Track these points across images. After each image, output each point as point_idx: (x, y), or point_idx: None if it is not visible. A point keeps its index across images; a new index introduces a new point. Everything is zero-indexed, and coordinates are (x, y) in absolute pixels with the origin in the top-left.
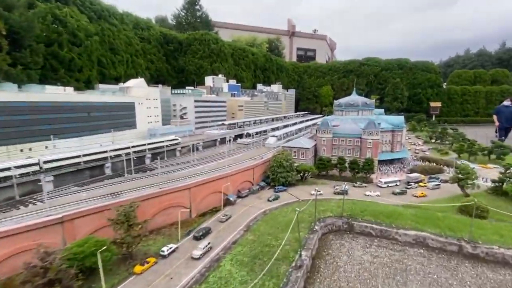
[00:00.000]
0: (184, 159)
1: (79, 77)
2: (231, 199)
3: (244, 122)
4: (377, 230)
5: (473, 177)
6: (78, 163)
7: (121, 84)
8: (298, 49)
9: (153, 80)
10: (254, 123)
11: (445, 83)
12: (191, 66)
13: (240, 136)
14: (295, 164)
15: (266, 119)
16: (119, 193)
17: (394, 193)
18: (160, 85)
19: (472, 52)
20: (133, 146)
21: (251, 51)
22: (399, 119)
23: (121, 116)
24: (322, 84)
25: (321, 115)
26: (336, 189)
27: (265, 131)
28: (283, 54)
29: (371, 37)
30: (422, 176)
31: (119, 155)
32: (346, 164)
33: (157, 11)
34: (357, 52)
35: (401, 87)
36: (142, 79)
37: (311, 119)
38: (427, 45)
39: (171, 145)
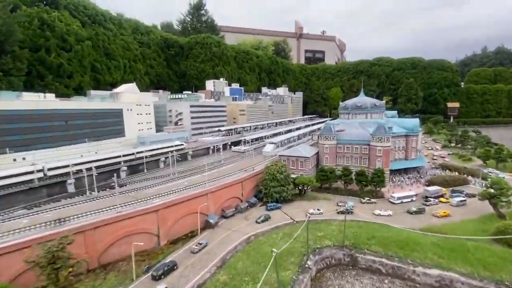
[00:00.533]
0: (167, 171)
1: (69, 83)
2: (211, 221)
3: (243, 128)
4: (388, 266)
5: (509, 193)
6: (31, 181)
7: (115, 90)
8: (306, 51)
9: (154, 85)
10: (254, 128)
11: (463, 83)
12: (192, 70)
13: (237, 143)
14: (293, 176)
15: (269, 123)
16: (65, 219)
17: (409, 212)
18: (160, 91)
19: (490, 50)
20: (113, 157)
21: (255, 54)
22: (414, 122)
23: (107, 124)
24: (331, 86)
25: (330, 118)
26: (340, 206)
27: (264, 137)
28: (290, 56)
29: (381, 38)
30: (443, 189)
31: (89, 169)
32: (352, 176)
33: (167, 18)
34: (367, 53)
35: (415, 87)
36: (133, 84)
37: (319, 123)
38: (440, 44)
39: (176, 151)
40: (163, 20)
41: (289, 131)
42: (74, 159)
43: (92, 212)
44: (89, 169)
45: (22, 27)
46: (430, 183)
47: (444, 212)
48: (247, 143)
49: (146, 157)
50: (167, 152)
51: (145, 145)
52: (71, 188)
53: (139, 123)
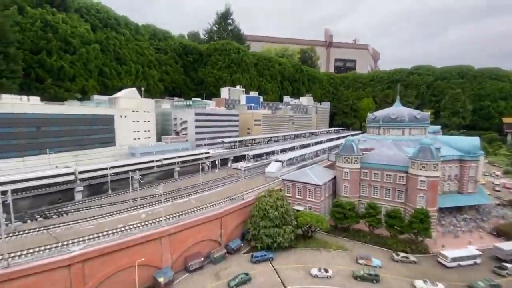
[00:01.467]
0: (137, 194)
1: (70, 87)
2: (159, 279)
3: (253, 140)
4: None
5: None
6: None
7: (117, 95)
8: (336, 60)
9: (169, 92)
10: (268, 141)
11: None
12: (210, 77)
13: (242, 158)
14: (298, 208)
15: (285, 136)
16: None
17: None
18: (176, 98)
19: None
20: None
21: (278, 61)
22: (472, 141)
23: (93, 131)
24: (362, 96)
25: (361, 132)
26: (360, 263)
27: (273, 152)
28: (318, 65)
29: (420, 48)
30: None
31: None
32: (381, 216)
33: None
34: (404, 64)
35: (463, 99)
36: (134, 89)
37: (346, 136)
38: (488, 53)
39: (199, 158)
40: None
41: (305, 146)
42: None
43: None
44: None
45: (23, 28)
46: (499, 231)
47: None
48: (250, 159)
49: (111, 174)
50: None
51: (135, 156)
52: None
53: (134, 131)
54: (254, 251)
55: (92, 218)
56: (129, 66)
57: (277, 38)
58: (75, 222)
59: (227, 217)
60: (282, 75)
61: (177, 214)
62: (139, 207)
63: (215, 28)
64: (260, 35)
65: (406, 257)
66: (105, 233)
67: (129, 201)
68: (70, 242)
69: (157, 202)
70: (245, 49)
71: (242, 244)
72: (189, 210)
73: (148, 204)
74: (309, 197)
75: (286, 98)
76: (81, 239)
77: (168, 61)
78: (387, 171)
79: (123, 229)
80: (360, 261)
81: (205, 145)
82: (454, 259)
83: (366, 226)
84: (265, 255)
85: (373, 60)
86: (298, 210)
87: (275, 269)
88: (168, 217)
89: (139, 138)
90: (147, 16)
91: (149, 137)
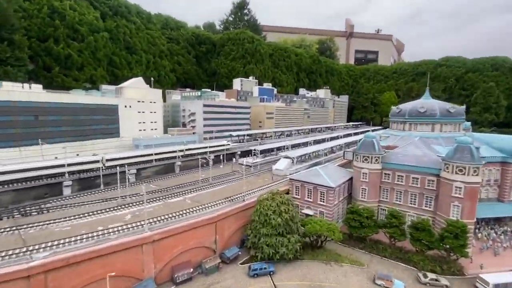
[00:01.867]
0: (132, 190)
1: (78, 76)
2: None
3: (264, 134)
4: None
5: None
6: None
7: (123, 84)
8: (357, 51)
9: (181, 83)
10: (280, 135)
11: None
12: (223, 68)
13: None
14: (307, 212)
15: (300, 130)
16: None
17: None
18: (188, 89)
19: None
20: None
21: (294, 52)
22: None
23: (95, 122)
24: (384, 89)
25: (381, 127)
26: (378, 284)
27: (283, 147)
28: (337, 56)
29: (448, 40)
30: None
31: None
32: (405, 227)
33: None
34: (431, 56)
35: (497, 93)
36: (140, 79)
37: (365, 132)
38: None
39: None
40: (207, 20)
41: (320, 141)
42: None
43: None
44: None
45: (30, 15)
46: None
47: None
48: (257, 154)
49: (103, 168)
50: (151, 161)
51: (139, 148)
52: None
53: (140, 123)
54: (253, 262)
55: (71, 217)
56: (139, 55)
57: (295, 29)
58: (52, 221)
59: (223, 221)
60: (298, 66)
61: (165, 217)
62: (126, 206)
63: (231, 19)
64: (277, 26)
65: (436, 280)
66: (78, 238)
67: (118, 199)
68: (37, 247)
69: (148, 201)
70: (259, 38)
71: (240, 253)
72: (180, 213)
73: (137, 203)
74: (321, 201)
75: (301, 91)
76: (49, 243)
77: (180, 51)
78: (413, 173)
79: (100, 233)
80: (379, 282)
81: (210, 138)
82: (497, 286)
83: (386, 237)
84: (265, 267)
85: (397, 52)
86: (307, 215)
87: (275, 286)
88: (155, 219)
89: (144, 130)
90: (162, 7)
91: (156, 129)
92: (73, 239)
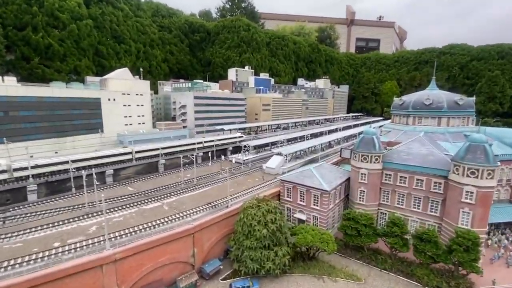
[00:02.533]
0: (106, 194)
1: (61, 67)
2: None
3: (258, 127)
4: None
5: None
6: None
7: (107, 76)
8: (358, 39)
9: (174, 74)
10: (276, 128)
11: None
12: (217, 58)
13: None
14: (299, 217)
15: (297, 123)
16: None
17: None
18: (181, 80)
19: None
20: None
21: (292, 40)
22: None
23: (75, 117)
24: (385, 79)
25: (382, 118)
26: None
27: (277, 143)
28: (337, 44)
29: (452, 27)
30: None
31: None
32: (409, 236)
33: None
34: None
35: (502, 82)
36: (126, 69)
37: (365, 123)
38: None
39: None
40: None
41: (317, 135)
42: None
43: None
44: None
45: (5, 1)
46: None
47: None
48: (247, 150)
49: (73, 170)
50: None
51: (123, 144)
52: None
53: (125, 117)
54: (236, 277)
55: (27, 230)
56: (128, 45)
57: (294, 16)
58: (3, 236)
59: (203, 231)
60: (297, 55)
61: (134, 229)
62: (95, 215)
63: (228, 6)
64: (276, 13)
65: None
66: (26, 258)
67: (86, 206)
68: None
69: (120, 208)
70: (255, 25)
71: (221, 267)
72: (154, 223)
73: (108, 211)
74: (314, 205)
75: (300, 81)
76: None
77: (173, 40)
78: (418, 174)
79: (54, 251)
80: None
81: (198, 132)
82: None
83: (387, 246)
84: (248, 286)
85: (399, 40)
86: (299, 220)
87: None
88: (123, 232)
89: (131, 124)
90: None
91: (143, 123)
92: (19, 260)
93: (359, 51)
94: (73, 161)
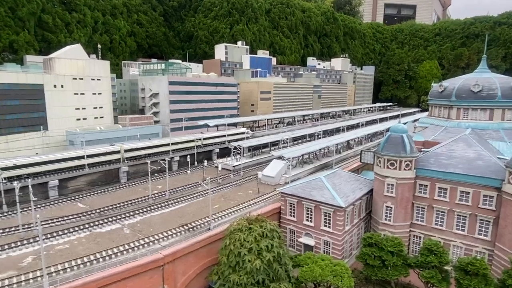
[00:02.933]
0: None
1: None
2: None
3: (255, 122)
4: None
5: None
6: None
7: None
8: (387, 5)
9: (143, 51)
10: (277, 123)
11: None
12: (201, 30)
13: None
14: (305, 242)
15: (306, 116)
16: None
17: None
18: (154, 60)
19: None
20: None
21: (300, 7)
22: None
23: (9, 110)
24: (423, 58)
25: (419, 109)
26: None
27: (278, 142)
28: (360, 12)
29: None
30: None
31: None
32: (450, 268)
33: None
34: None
35: None
36: (78, 45)
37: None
38: None
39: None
40: None
41: (332, 132)
42: None
43: None
44: None
45: None
46: None
47: None
48: (240, 153)
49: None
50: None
51: (74, 145)
52: None
53: (77, 109)
54: None
55: None
56: (82, 13)
57: None
58: None
59: (176, 262)
60: (306, 26)
61: (82, 261)
62: (30, 241)
63: None
64: None
65: None
66: None
67: (20, 230)
68: None
69: (67, 230)
70: None
71: None
72: (109, 252)
73: (47, 236)
74: (325, 226)
75: (311, 61)
76: None
77: (142, 7)
78: (462, 185)
79: None
80: None
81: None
82: None
83: (420, 280)
84: None
85: (441, 6)
86: (306, 246)
87: None
88: (68, 264)
89: (85, 119)
90: None
91: (102, 117)
92: None
93: (389, 21)
94: (3, 169)
